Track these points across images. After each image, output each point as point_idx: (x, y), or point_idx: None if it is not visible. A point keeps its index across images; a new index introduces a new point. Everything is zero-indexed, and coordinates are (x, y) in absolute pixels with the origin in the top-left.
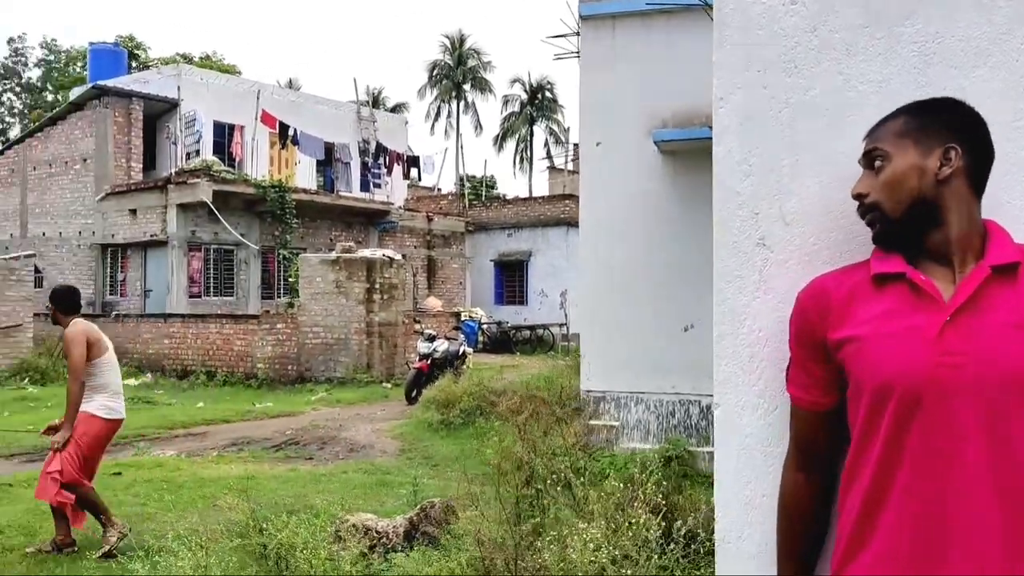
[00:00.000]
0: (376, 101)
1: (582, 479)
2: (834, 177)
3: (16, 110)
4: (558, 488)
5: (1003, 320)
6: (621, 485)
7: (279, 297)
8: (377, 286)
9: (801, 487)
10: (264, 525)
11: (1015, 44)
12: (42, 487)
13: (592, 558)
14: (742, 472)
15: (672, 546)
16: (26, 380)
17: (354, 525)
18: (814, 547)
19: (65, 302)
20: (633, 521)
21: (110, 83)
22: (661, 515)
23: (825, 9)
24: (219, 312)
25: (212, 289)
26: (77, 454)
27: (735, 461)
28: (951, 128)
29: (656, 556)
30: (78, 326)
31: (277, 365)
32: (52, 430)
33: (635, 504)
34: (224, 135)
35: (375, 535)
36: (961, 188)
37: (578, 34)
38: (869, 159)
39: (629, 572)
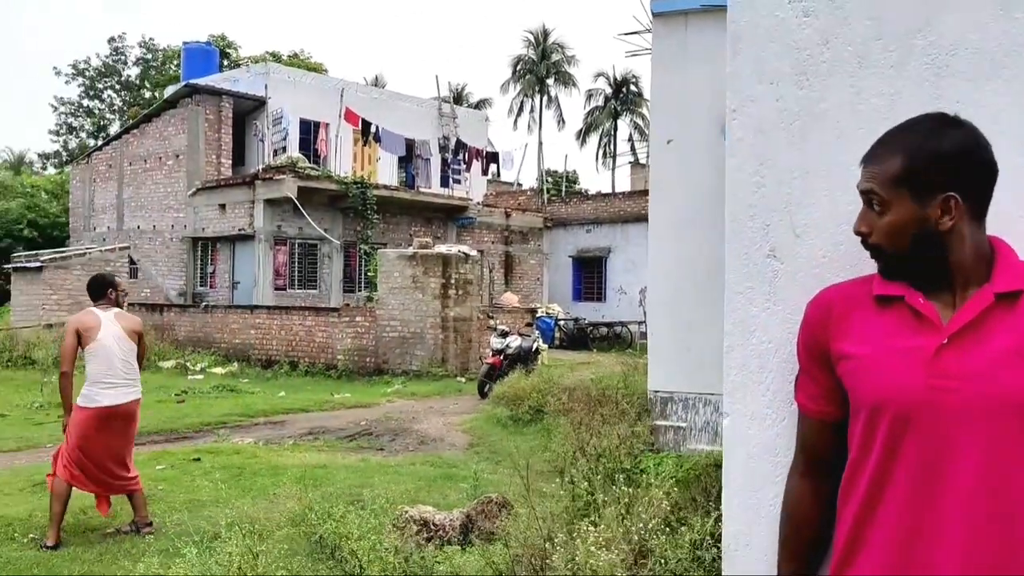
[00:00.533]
0: (459, 97)
1: (590, 480)
2: (844, 190)
3: (116, 107)
4: (609, 488)
5: (1002, 346)
6: (630, 490)
7: (360, 291)
8: (452, 281)
9: (805, 493)
10: (315, 515)
11: None
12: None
13: (597, 560)
14: (749, 481)
15: (704, 551)
16: None
17: (412, 517)
18: (815, 553)
19: (92, 291)
20: (638, 526)
21: (202, 82)
22: (714, 519)
23: (837, 22)
24: (302, 304)
25: (296, 282)
26: (68, 445)
27: (742, 470)
28: (949, 173)
29: (662, 562)
30: (83, 317)
31: (356, 357)
32: None
33: (641, 508)
34: (310, 132)
35: (432, 527)
36: (963, 228)
37: (650, 31)
38: (867, 199)
39: (624, 573)
